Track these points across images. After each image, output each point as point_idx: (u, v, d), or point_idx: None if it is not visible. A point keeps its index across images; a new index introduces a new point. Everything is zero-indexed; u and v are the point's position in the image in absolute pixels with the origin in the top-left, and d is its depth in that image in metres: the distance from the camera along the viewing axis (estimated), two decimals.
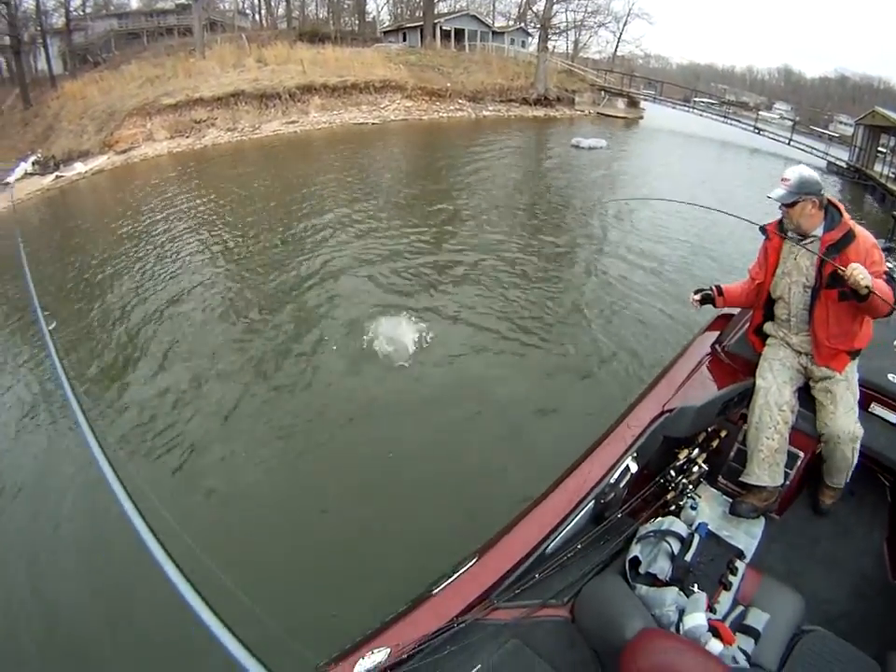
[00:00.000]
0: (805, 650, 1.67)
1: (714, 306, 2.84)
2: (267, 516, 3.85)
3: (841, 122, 35.59)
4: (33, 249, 10.86)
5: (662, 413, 2.38)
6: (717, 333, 3.05)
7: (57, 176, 16.75)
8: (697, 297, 2.78)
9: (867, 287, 2.01)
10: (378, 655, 1.49)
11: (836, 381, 2.42)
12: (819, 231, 2.30)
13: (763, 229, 2.54)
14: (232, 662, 1.10)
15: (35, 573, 3.64)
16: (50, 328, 2.40)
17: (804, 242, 2.34)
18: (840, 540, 2.54)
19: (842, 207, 2.32)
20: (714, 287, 2.78)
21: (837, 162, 21.13)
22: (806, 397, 2.55)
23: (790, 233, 2.38)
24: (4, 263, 9.21)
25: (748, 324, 2.98)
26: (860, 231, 2.25)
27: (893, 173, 18.74)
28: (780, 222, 2.44)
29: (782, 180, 2.28)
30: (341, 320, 6.35)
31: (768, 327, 2.67)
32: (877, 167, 19.40)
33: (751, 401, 2.53)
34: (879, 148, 20.55)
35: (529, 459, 4.09)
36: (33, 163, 17.62)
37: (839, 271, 2.10)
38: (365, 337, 5.86)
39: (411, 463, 4.26)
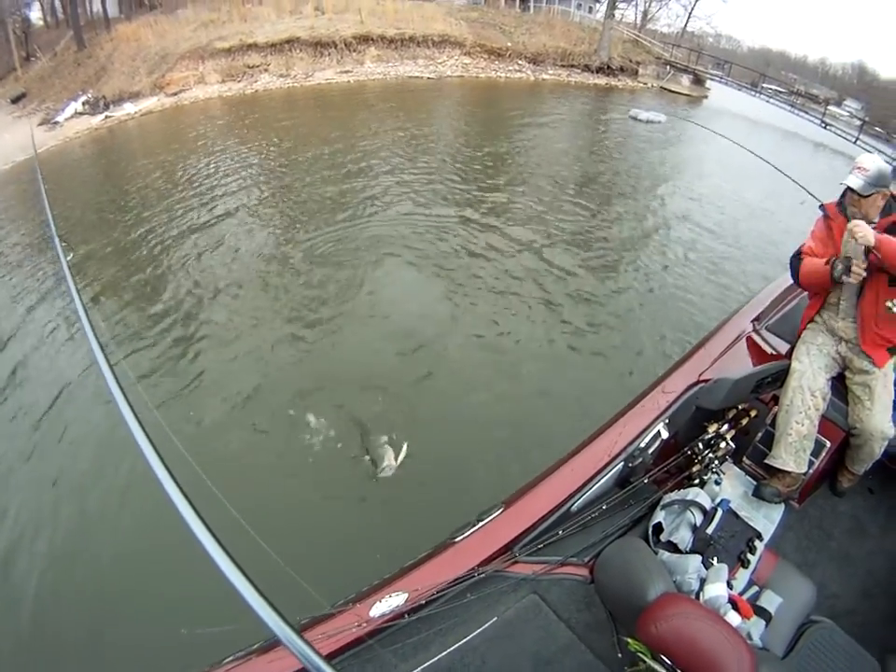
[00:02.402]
0: (812, 639, 1.73)
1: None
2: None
3: None
4: (71, 186, 11.02)
5: (698, 382, 2.40)
6: (757, 310, 3.01)
7: (106, 116, 16.57)
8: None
9: (868, 243, 2.07)
10: (395, 599, 1.51)
11: (875, 378, 2.39)
12: (877, 218, 2.27)
13: (822, 207, 2.50)
14: (240, 600, 0.95)
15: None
16: (69, 258, 2.31)
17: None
18: (855, 538, 2.52)
19: None
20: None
21: None
22: (839, 386, 2.53)
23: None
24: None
25: (790, 304, 3.02)
26: None
27: None
28: (840, 203, 2.39)
29: (858, 168, 2.20)
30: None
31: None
32: None
33: (785, 383, 2.49)
34: None
35: None
36: (83, 103, 17.38)
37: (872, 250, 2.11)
38: None
39: None
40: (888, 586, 2.36)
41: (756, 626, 1.75)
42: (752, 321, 2.93)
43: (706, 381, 2.38)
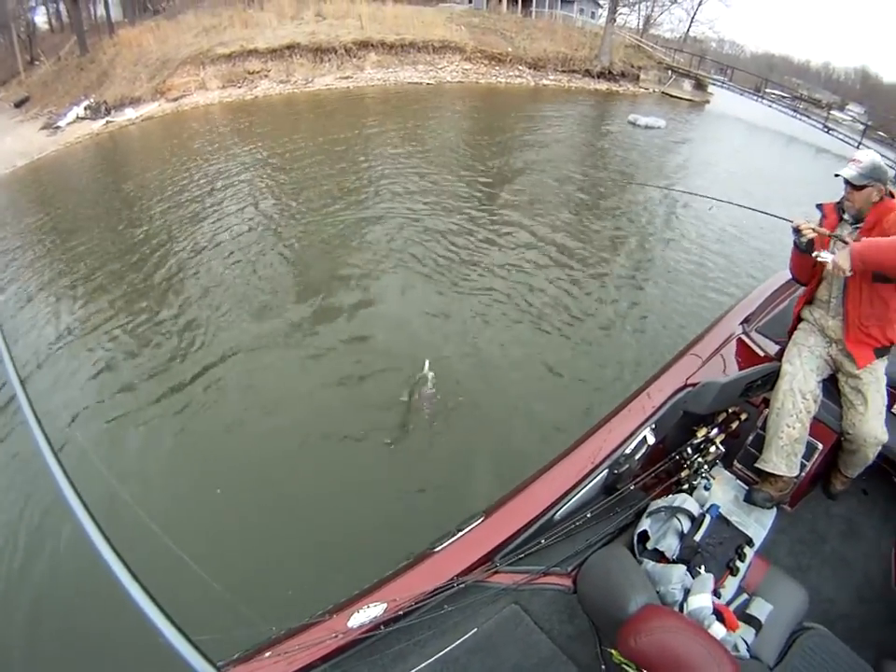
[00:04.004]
0: (804, 647, 1.67)
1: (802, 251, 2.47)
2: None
3: None
4: (73, 188, 11.08)
5: (685, 387, 2.36)
6: (746, 312, 2.98)
7: (107, 122, 16.69)
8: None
9: (844, 272, 2.07)
10: (374, 610, 1.49)
11: (868, 383, 2.36)
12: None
13: (819, 206, 2.49)
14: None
15: None
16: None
17: (856, 226, 2.30)
18: (849, 541, 2.49)
19: None
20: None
21: None
22: (832, 388, 2.50)
23: (845, 216, 2.34)
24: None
25: (780, 305, 3.01)
26: None
27: None
28: (838, 204, 2.38)
29: (853, 160, 2.21)
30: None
31: (804, 310, 2.59)
32: None
33: (775, 386, 2.44)
34: None
35: None
36: (85, 108, 17.53)
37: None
38: None
39: None
40: (884, 590, 2.32)
41: (746, 635, 1.72)
42: (742, 323, 2.89)
43: (693, 385, 2.34)
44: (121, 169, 11.98)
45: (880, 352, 2.37)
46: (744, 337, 2.78)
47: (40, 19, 26.49)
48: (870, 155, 2.22)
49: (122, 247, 7.39)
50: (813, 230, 2.24)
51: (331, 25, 20.53)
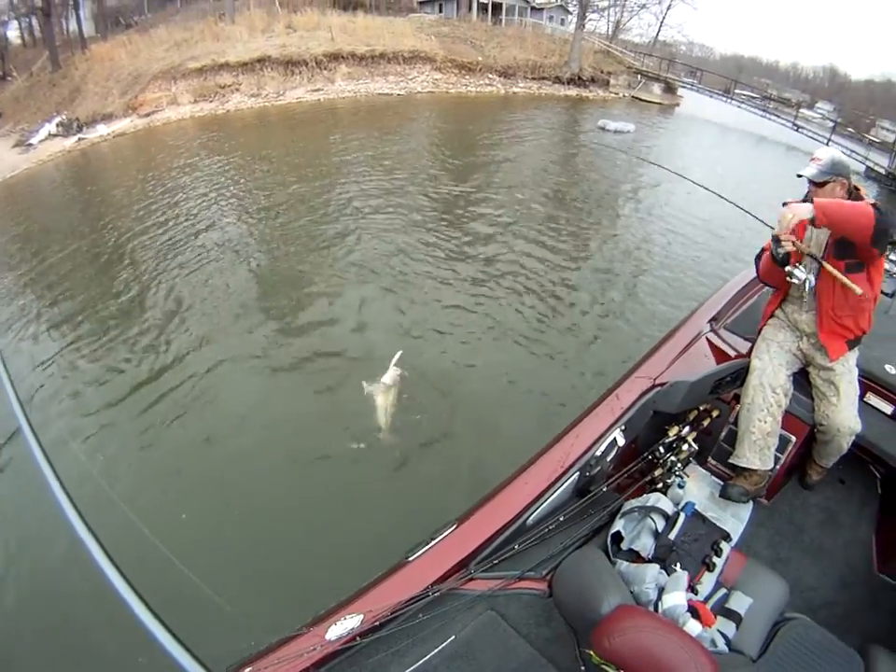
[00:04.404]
0: (786, 637, 1.67)
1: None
2: None
3: (883, 128, 33.60)
4: (45, 207, 11.19)
5: (653, 387, 2.35)
6: (713, 311, 2.99)
7: (80, 139, 16.74)
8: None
9: (806, 216, 2.06)
10: (351, 621, 1.50)
11: (840, 374, 2.38)
12: None
13: (785, 205, 2.44)
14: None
15: None
16: None
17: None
18: (828, 529, 2.53)
19: (864, 192, 2.27)
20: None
21: (876, 168, 19.85)
22: (803, 381, 2.52)
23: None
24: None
25: (748, 302, 3.04)
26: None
27: None
28: (804, 201, 2.30)
29: (813, 159, 2.25)
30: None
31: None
32: None
33: (745, 382, 2.48)
34: None
35: None
36: (57, 125, 17.57)
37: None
38: None
39: None
40: (865, 576, 2.34)
41: (727, 630, 1.73)
42: (710, 321, 2.90)
43: (662, 384, 2.34)
44: (93, 187, 11.97)
45: (852, 343, 2.38)
46: (712, 335, 2.78)
47: (12, 33, 26.34)
48: (829, 151, 2.27)
49: (92, 269, 7.54)
50: (793, 242, 2.23)
51: (302, 38, 20.75)
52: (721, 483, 2.58)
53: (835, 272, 2.17)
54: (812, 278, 2.28)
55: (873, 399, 2.60)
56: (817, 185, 2.24)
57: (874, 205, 2.07)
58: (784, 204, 2.41)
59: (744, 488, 2.45)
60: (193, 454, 4.15)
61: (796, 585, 2.10)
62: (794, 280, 2.27)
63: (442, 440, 4.18)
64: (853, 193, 2.26)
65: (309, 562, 3.20)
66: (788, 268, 2.29)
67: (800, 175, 2.28)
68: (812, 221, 2.07)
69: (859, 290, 2.13)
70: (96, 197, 11.19)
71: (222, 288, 6.50)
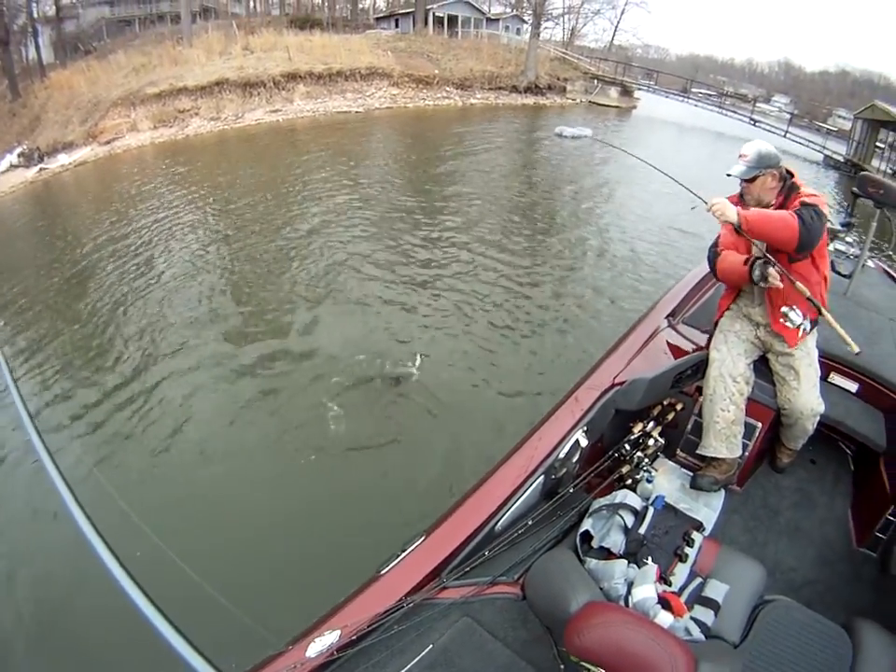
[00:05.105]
0: (768, 619, 1.66)
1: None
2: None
3: (840, 116, 34.89)
4: (5, 242, 11.19)
5: (612, 386, 2.37)
6: (671, 307, 3.03)
7: (41, 169, 16.75)
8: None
9: (729, 220, 2.13)
10: (329, 637, 1.51)
11: (799, 358, 2.41)
12: (773, 200, 2.31)
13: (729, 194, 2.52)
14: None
15: None
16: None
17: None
18: (803, 509, 2.56)
19: (796, 175, 2.33)
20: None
21: (834, 156, 20.78)
22: (764, 368, 2.54)
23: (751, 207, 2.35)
24: None
25: (705, 296, 3.06)
26: (808, 190, 2.26)
27: (891, 168, 18.47)
28: (741, 195, 2.39)
29: (740, 156, 2.28)
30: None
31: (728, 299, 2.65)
32: (875, 162, 19.10)
33: (706, 373, 2.51)
34: (877, 143, 20.34)
35: None
36: (18, 155, 17.59)
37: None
38: None
39: None
40: (844, 551, 2.37)
41: (705, 618, 1.74)
42: (667, 317, 2.92)
43: (621, 383, 2.36)
44: (55, 219, 11.98)
45: (806, 327, 2.38)
46: (670, 331, 2.80)
47: None
48: (755, 146, 2.27)
49: (56, 299, 7.75)
50: (772, 265, 2.22)
51: (259, 59, 21.03)
52: (692, 474, 2.60)
53: (785, 270, 2.20)
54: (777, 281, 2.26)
55: (837, 378, 2.66)
56: (747, 181, 2.28)
57: (803, 205, 2.13)
58: (727, 177, 2.44)
59: (714, 477, 2.48)
60: (179, 466, 4.31)
61: (776, 568, 2.14)
62: (769, 286, 2.26)
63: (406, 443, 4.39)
64: (787, 180, 2.29)
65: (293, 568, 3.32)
66: (763, 284, 2.29)
67: (729, 175, 2.31)
68: (737, 229, 2.17)
69: (807, 293, 2.20)
70: (59, 228, 11.24)
71: (174, 314, 6.69)
